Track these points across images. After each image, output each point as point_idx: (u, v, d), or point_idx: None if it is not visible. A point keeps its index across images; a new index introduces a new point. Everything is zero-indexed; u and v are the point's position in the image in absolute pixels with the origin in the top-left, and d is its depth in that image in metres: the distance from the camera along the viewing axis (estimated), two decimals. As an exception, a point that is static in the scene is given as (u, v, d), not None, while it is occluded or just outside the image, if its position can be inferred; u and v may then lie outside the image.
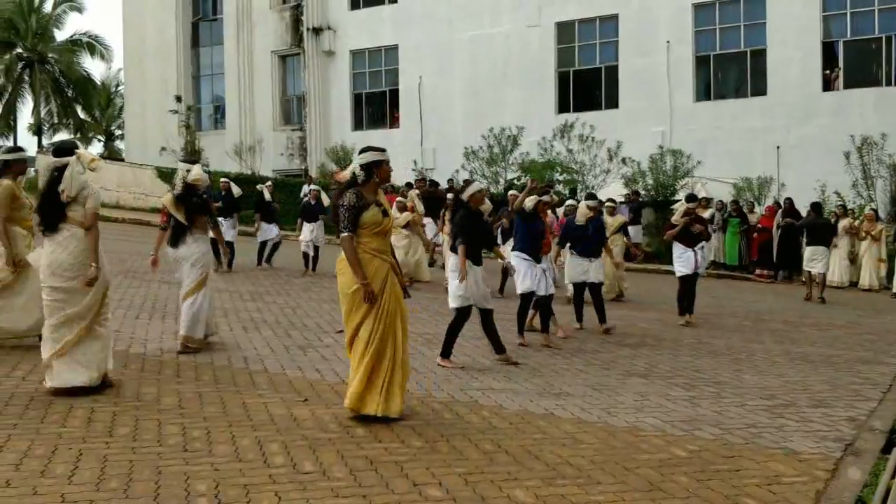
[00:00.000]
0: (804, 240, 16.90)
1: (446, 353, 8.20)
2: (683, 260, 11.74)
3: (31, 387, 6.62)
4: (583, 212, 11.21)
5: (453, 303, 8.23)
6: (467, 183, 9.15)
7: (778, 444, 5.91)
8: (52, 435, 5.41)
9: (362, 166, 6.11)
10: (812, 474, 5.24)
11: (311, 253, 15.92)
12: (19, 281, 7.88)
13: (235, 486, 4.62)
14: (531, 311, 9.84)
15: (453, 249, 8.34)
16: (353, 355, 6.08)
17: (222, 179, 16.30)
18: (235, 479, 4.71)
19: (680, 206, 12.40)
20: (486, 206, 8.82)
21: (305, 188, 25.12)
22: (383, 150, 6.27)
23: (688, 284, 11.88)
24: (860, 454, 5.76)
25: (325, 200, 15.69)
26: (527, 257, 9.42)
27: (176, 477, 4.71)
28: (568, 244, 11.28)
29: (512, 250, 9.70)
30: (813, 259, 16.02)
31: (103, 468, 4.80)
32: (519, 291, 9.49)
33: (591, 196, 11.41)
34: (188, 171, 8.52)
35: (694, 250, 11.76)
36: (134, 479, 4.64)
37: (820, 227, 16.34)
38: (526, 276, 9.39)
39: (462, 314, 8.20)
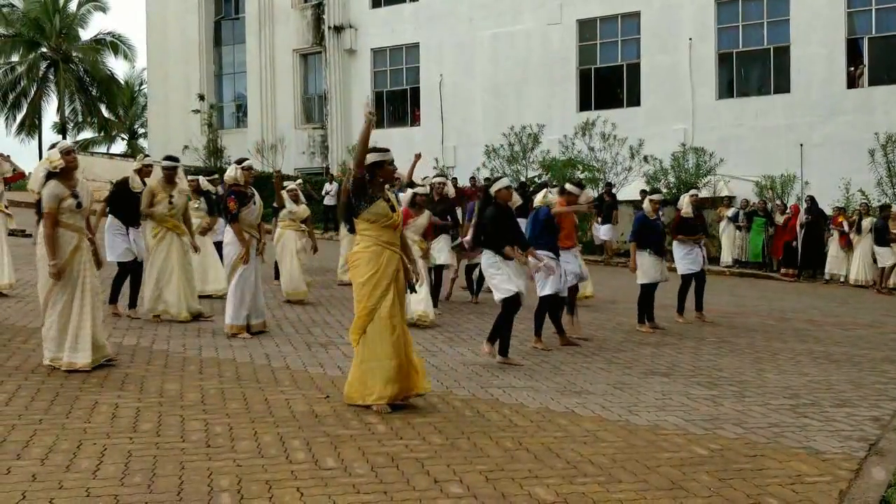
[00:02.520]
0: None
1: (502, 350, 8.15)
2: (692, 257, 11.63)
3: (56, 382, 6.70)
4: (647, 207, 11.03)
5: (499, 294, 8.09)
6: (492, 181, 9.00)
7: (801, 443, 5.87)
8: (77, 430, 5.47)
9: (367, 167, 6.27)
10: (835, 474, 5.20)
11: None
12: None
13: (258, 481, 4.64)
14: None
15: (479, 244, 8.25)
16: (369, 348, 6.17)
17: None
18: (258, 475, 4.74)
19: (686, 198, 12.11)
20: (515, 200, 8.72)
21: (327, 186, 25.26)
22: (386, 151, 6.41)
23: (697, 282, 11.79)
24: (884, 454, 5.70)
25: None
26: (550, 255, 9.03)
27: (199, 472, 4.75)
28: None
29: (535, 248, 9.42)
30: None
31: (127, 463, 4.84)
32: (542, 293, 9.06)
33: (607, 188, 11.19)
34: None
35: (700, 246, 11.71)
36: (157, 475, 4.68)
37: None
38: (550, 277, 8.99)
39: (509, 305, 8.05)
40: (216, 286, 11.55)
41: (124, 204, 9.94)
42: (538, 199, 9.41)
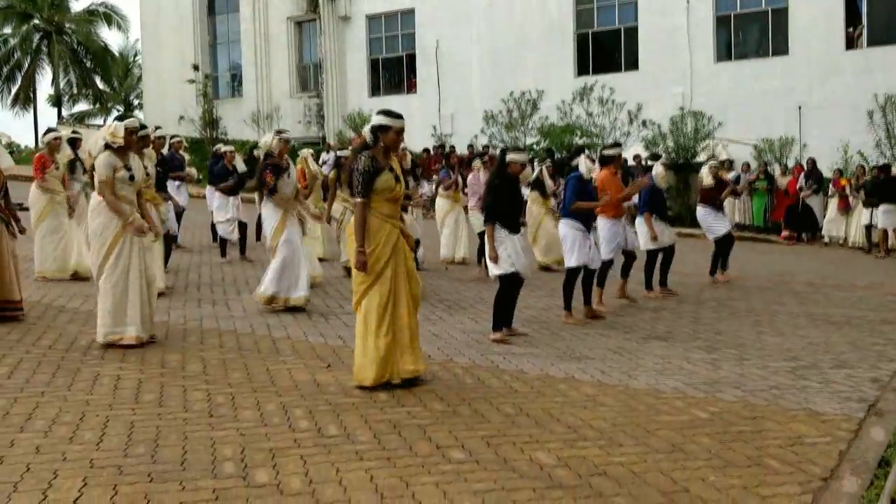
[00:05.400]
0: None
1: (497, 325, 7.82)
2: (720, 220, 11.93)
3: (57, 355, 6.72)
4: (661, 174, 10.97)
5: (495, 270, 7.77)
6: (509, 148, 8.47)
7: (800, 405, 5.90)
8: (80, 402, 5.49)
9: (372, 128, 6.09)
10: (835, 435, 5.23)
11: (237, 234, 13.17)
12: None
13: (261, 450, 4.67)
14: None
15: (489, 217, 7.82)
16: (366, 326, 6.06)
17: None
18: (261, 444, 4.77)
19: (705, 169, 12.31)
20: (526, 175, 8.54)
21: (325, 155, 25.15)
22: (398, 117, 6.14)
23: (729, 243, 12.11)
24: (883, 415, 5.74)
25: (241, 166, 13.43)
26: (580, 226, 8.77)
27: (202, 442, 4.77)
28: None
29: (562, 217, 9.06)
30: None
31: (130, 434, 4.87)
32: (568, 265, 8.84)
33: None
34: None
35: (724, 213, 11.91)
36: (161, 445, 4.70)
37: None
38: (575, 247, 8.74)
39: (506, 282, 7.78)
40: None
41: None
42: (581, 166, 9.00)
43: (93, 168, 7.23)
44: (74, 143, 11.07)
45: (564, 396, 5.94)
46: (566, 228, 8.85)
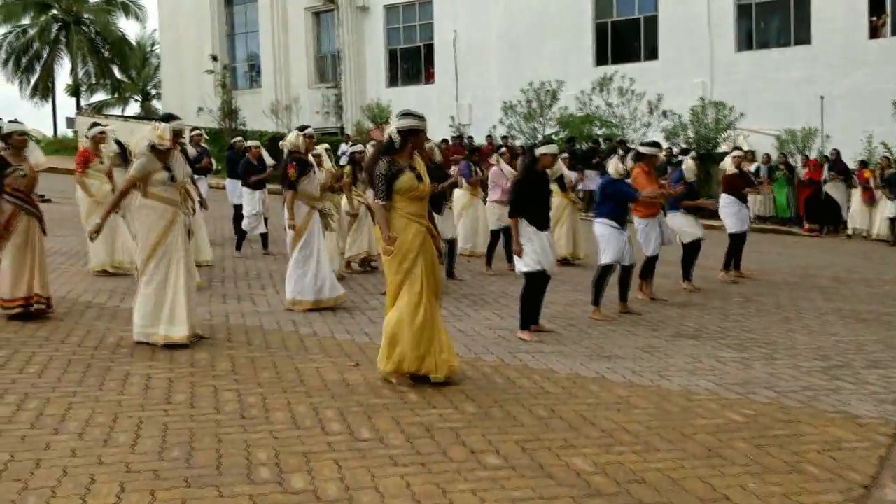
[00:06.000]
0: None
1: (525, 324, 7.77)
2: (741, 217, 11.69)
3: (87, 353, 6.73)
4: (691, 167, 10.82)
5: (520, 266, 7.75)
6: (540, 142, 8.38)
7: (836, 407, 5.83)
8: (112, 402, 5.49)
9: (400, 131, 6.02)
10: (873, 440, 5.17)
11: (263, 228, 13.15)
12: None
13: (295, 454, 4.65)
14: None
15: (516, 211, 7.74)
16: (398, 320, 6.03)
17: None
18: (295, 447, 4.75)
19: (728, 159, 12.19)
20: (556, 169, 8.47)
21: (344, 146, 25.12)
22: (422, 118, 6.13)
23: (741, 241, 11.84)
24: (921, 418, 5.66)
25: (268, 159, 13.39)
26: (615, 225, 8.75)
27: (236, 445, 4.76)
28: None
29: (597, 217, 8.98)
30: None
31: (164, 437, 4.87)
32: (602, 262, 8.82)
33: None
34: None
35: (747, 206, 11.72)
36: (195, 448, 4.69)
37: None
38: (610, 244, 8.72)
39: (532, 280, 7.73)
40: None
41: None
42: (610, 168, 9.01)
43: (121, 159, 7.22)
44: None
45: (597, 398, 5.90)
46: (601, 227, 8.82)
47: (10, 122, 8.08)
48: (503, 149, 14.57)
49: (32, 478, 4.23)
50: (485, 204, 12.97)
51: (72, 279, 10.14)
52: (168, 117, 7.27)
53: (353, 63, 33.13)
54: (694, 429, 5.28)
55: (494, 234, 12.06)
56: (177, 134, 7.16)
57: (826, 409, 5.77)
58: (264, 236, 12.95)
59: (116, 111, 47.34)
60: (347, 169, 11.22)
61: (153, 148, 6.99)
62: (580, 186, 13.40)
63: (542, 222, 7.72)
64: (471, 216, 13.17)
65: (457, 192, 13.30)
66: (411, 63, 33.14)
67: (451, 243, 10.96)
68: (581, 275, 11.67)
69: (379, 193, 5.99)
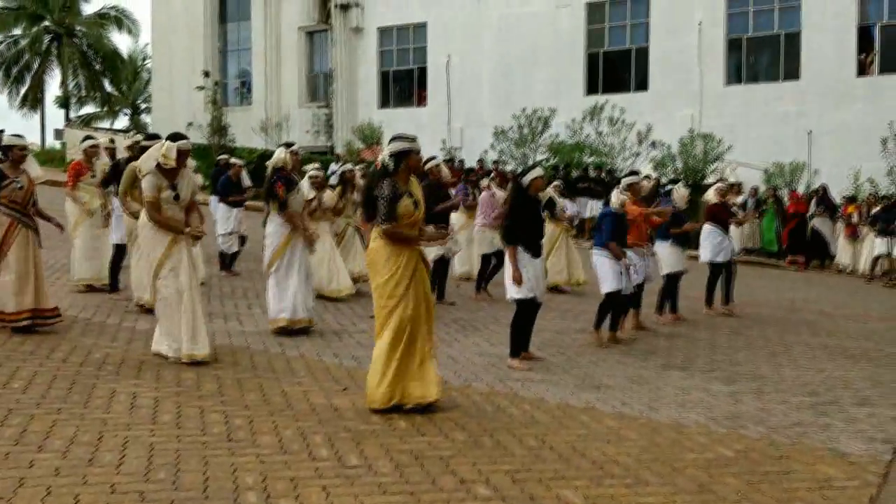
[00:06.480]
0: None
1: (515, 352, 7.72)
2: (722, 247, 11.56)
3: (72, 369, 6.64)
4: (683, 195, 10.84)
5: (513, 294, 7.67)
6: (524, 170, 8.30)
7: (825, 444, 5.82)
8: (97, 420, 5.41)
9: (391, 155, 6.01)
10: (863, 478, 5.15)
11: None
12: None
13: (282, 479, 4.59)
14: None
15: (510, 240, 7.70)
16: (383, 347, 5.99)
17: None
18: (282, 472, 4.69)
19: (712, 190, 12.18)
20: (546, 193, 8.49)
21: (333, 166, 25.10)
22: (413, 139, 6.11)
23: (727, 273, 11.76)
24: (910, 457, 5.66)
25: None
26: (612, 256, 8.79)
27: (222, 468, 4.69)
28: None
29: (595, 246, 9.02)
30: None
31: (150, 457, 4.79)
32: (605, 290, 8.80)
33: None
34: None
35: (730, 237, 11.67)
36: (182, 470, 4.62)
37: None
38: (610, 273, 8.73)
39: (524, 307, 7.71)
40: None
41: None
42: (613, 199, 9.04)
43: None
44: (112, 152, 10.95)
45: (587, 429, 5.86)
46: (600, 258, 8.83)
47: (11, 135, 8.08)
48: (493, 173, 14.59)
49: (15, 496, 4.15)
50: None
51: (57, 293, 9.99)
52: (175, 137, 7.23)
53: (346, 83, 33.22)
54: (684, 463, 5.25)
55: (485, 259, 11.99)
56: (184, 154, 7.13)
57: (816, 446, 5.76)
58: (234, 255, 12.80)
59: (105, 124, 47.27)
60: (338, 190, 11.18)
61: (159, 167, 7.00)
62: (568, 212, 13.36)
63: (536, 249, 7.71)
64: (467, 239, 13.11)
65: (454, 216, 13.22)
66: (404, 85, 33.28)
67: (443, 263, 10.90)
68: (571, 302, 11.67)
69: (383, 216, 5.93)
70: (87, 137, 10.92)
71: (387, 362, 5.90)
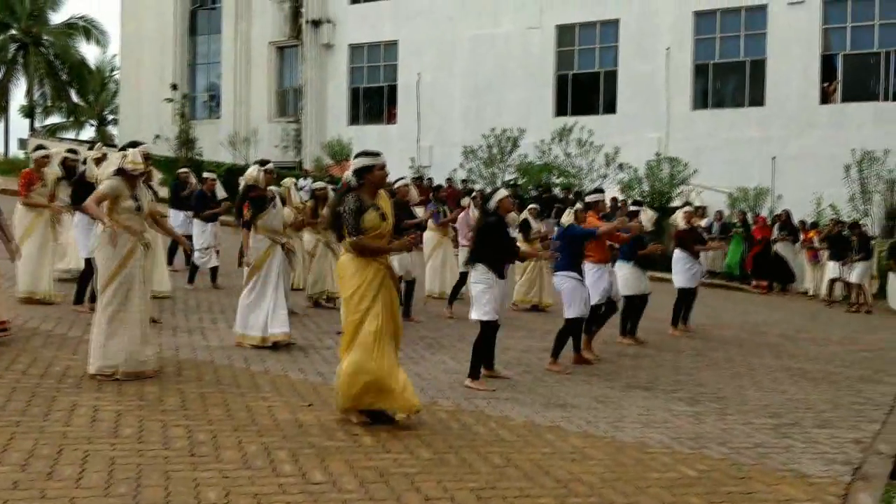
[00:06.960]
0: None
1: (475, 372, 7.64)
2: (693, 273, 11.74)
3: (32, 381, 6.53)
4: (650, 217, 10.90)
5: (478, 315, 7.64)
6: (490, 193, 8.39)
7: (786, 465, 5.88)
8: (57, 434, 5.33)
9: (354, 171, 6.06)
10: (824, 499, 5.21)
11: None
12: None
13: (246, 494, 4.55)
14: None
15: (475, 259, 7.74)
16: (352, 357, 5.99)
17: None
18: (245, 488, 4.64)
19: (679, 213, 12.30)
20: (513, 217, 8.52)
21: (302, 181, 25.03)
22: (377, 154, 6.14)
23: (691, 297, 11.92)
24: (869, 479, 5.73)
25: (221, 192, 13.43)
26: (576, 276, 8.70)
27: (185, 483, 4.64)
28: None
29: (556, 270, 8.96)
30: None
31: (111, 471, 4.72)
32: (568, 316, 8.68)
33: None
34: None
35: (699, 262, 11.84)
36: (143, 485, 4.56)
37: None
38: (574, 298, 8.62)
39: (488, 328, 7.68)
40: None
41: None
42: (564, 218, 9.10)
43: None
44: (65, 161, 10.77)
45: (552, 447, 5.87)
46: (562, 280, 8.75)
47: None
48: (475, 193, 14.64)
49: (-29, 511, 4.08)
50: (454, 246, 12.99)
51: (16, 304, 9.86)
52: (134, 144, 7.16)
53: (315, 99, 33.20)
54: (648, 482, 5.27)
55: (463, 276, 11.98)
56: (146, 157, 7.05)
57: (777, 467, 5.81)
58: (214, 270, 12.75)
59: (71, 135, 46.78)
60: (309, 204, 11.16)
61: (122, 172, 6.87)
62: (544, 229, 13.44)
63: (501, 271, 7.71)
64: (440, 258, 13.12)
65: (427, 234, 13.22)
66: (374, 102, 33.32)
67: (409, 284, 10.91)
68: (537, 321, 11.71)
69: (350, 230, 5.95)
70: (39, 147, 10.85)
71: (370, 369, 5.88)
